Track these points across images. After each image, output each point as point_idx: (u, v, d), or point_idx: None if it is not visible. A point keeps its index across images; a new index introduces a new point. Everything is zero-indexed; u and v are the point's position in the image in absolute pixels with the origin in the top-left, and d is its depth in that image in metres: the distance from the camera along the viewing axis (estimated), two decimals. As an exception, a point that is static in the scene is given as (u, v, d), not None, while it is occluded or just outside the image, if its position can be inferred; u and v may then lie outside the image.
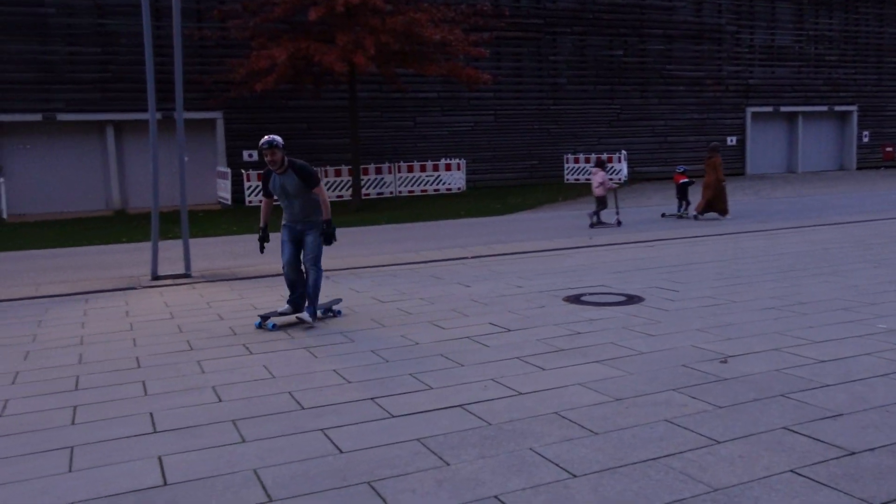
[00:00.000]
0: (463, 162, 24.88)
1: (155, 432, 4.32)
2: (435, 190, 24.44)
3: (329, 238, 6.90)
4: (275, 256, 9.58)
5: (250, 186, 21.64)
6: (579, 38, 27.75)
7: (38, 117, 21.07)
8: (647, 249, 11.10)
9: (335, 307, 7.25)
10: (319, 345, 6.18)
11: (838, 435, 3.95)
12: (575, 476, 3.56)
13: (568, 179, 27.08)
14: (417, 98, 25.33)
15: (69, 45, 21.25)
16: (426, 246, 12.57)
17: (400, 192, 24.05)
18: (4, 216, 20.16)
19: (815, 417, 4.21)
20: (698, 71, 29.97)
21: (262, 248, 7.15)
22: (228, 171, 21.96)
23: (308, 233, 6.91)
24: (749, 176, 31.02)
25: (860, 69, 33.39)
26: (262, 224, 7.11)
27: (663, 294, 7.78)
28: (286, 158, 6.74)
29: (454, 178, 24.64)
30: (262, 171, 7.01)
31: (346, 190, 23.02)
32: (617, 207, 15.35)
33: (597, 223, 14.67)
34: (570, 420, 4.29)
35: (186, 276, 9.87)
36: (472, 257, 10.83)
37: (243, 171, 22.05)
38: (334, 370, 5.43)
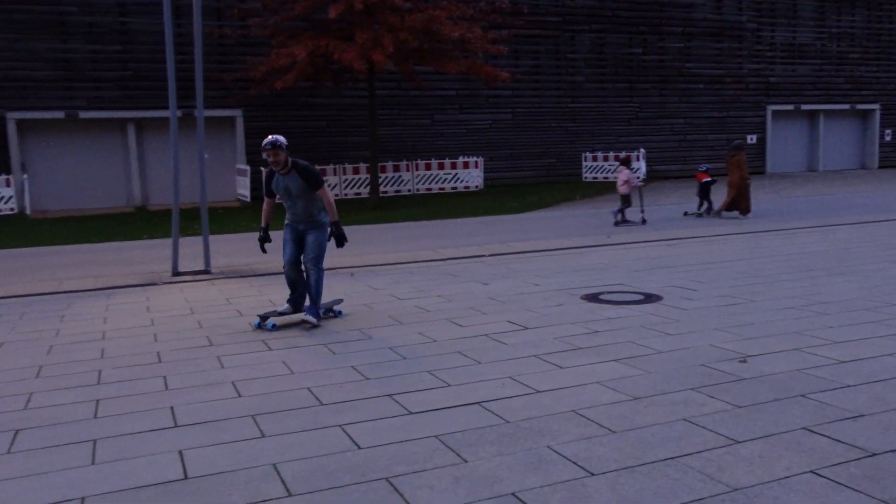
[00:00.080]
0: (480, 160, 24.86)
1: (176, 426, 4.37)
2: (452, 188, 24.45)
3: (340, 239, 6.77)
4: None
5: (269, 184, 21.72)
6: (598, 35, 27.63)
7: (60, 115, 21.31)
8: (665, 248, 11.05)
9: (336, 307, 7.17)
10: (338, 341, 6.21)
11: (859, 436, 3.92)
12: (593, 474, 3.56)
13: (586, 178, 26.98)
14: (435, 96, 25.34)
15: (91, 44, 21.47)
16: (443, 244, 12.59)
17: (417, 189, 24.09)
18: (28, 212, 20.42)
19: (836, 418, 4.18)
20: (718, 69, 29.74)
21: (262, 248, 7.07)
22: (248, 168, 22.09)
23: (310, 232, 6.83)
24: (769, 174, 30.75)
25: (883, 67, 32.98)
26: (263, 224, 7.03)
27: (682, 293, 7.75)
28: (289, 159, 6.68)
29: (471, 176, 24.64)
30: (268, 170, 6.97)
31: (364, 187, 23.10)
32: (642, 206, 15.32)
33: (621, 221, 14.62)
34: (588, 418, 4.29)
35: (206, 272, 9.95)
36: (490, 255, 10.83)
37: (262, 169, 22.10)
38: (352, 367, 5.46)
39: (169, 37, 9.49)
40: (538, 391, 4.78)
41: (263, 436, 4.18)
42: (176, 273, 9.81)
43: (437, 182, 24.29)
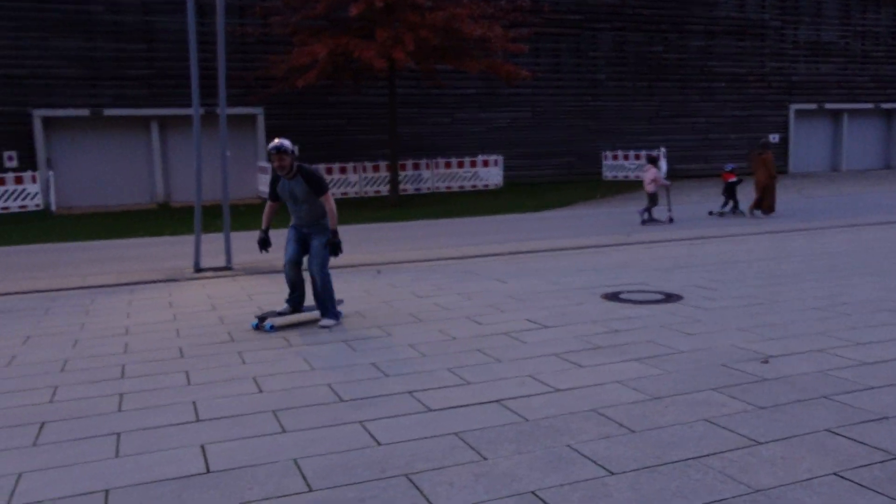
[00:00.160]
0: (500, 158, 24.83)
1: (198, 421, 4.42)
2: (472, 186, 24.44)
3: (335, 248, 6.67)
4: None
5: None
6: (619, 34, 27.48)
7: (85, 112, 21.56)
8: (686, 247, 10.98)
9: (336, 308, 7.00)
10: (358, 338, 6.24)
11: (884, 438, 3.88)
12: (613, 473, 3.56)
13: (606, 176, 26.86)
14: (455, 94, 25.34)
15: (116, 42, 21.69)
16: (462, 242, 12.60)
17: (437, 188, 24.10)
18: (53, 209, 20.69)
19: (860, 420, 4.14)
20: (740, 67, 29.47)
21: (261, 250, 6.93)
22: (269, 166, 22.21)
23: (315, 237, 6.76)
24: (792, 174, 30.43)
25: (909, 65, 32.52)
26: (263, 226, 6.93)
27: (703, 292, 7.70)
28: (295, 163, 6.61)
29: (491, 175, 24.61)
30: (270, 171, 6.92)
31: (384, 185, 23.16)
32: (669, 205, 15.26)
33: (648, 220, 14.56)
34: (608, 417, 4.28)
35: (228, 268, 10.04)
36: (508, 254, 10.82)
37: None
38: (372, 363, 5.48)
39: (192, 35, 9.57)
40: (558, 390, 4.78)
41: (284, 431, 4.21)
42: (198, 269, 9.89)
43: (456, 180, 24.30)
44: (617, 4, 27.30)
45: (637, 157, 26.16)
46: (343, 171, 22.93)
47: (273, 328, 6.64)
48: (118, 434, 4.25)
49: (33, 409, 4.72)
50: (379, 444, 3.99)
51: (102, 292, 8.75)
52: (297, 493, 3.45)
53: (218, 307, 7.70)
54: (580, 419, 4.26)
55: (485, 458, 3.77)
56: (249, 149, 23.75)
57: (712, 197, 20.46)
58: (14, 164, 21.01)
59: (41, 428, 4.38)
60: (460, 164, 24.33)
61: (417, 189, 23.87)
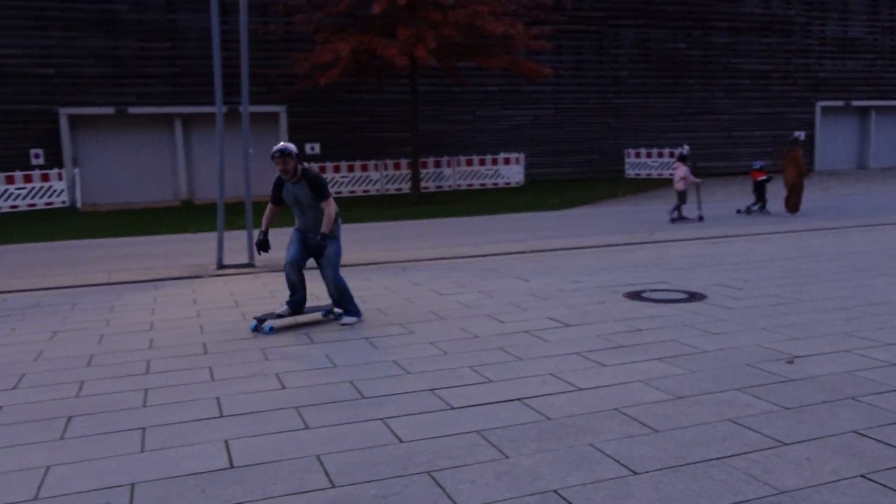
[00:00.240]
0: (522, 156, 24.77)
1: (222, 416, 4.46)
2: (493, 184, 24.41)
3: (319, 250, 6.49)
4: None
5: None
6: (642, 30, 27.29)
7: (110, 111, 21.81)
8: (710, 246, 10.88)
9: (337, 308, 6.94)
10: (379, 336, 6.26)
11: (911, 440, 3.82)
12: (636, 473, 3.54)
13: (628, 174, 26.70)
14: (477, 92, 25.31)
15: (140, 41, 21.92)
16: (484, 239, 12.58)
17: (458, 185, 24.10)
18: (79, 206, 20.96)
19: (888, 422, 4.08)
20: (765, 64, 29.14)
21: (259, 252, 6.85)
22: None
23: (324, 244, 6.58)
24: (818, 172, 30.05)
25: (939, 62, 31.98)
26: (262, 229, 6.81)
27: (727, 292, 7.63)
28: (299, 168, 6.58)
29: (512, 172, 24.57)
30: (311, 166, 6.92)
31: (406, 183, 23.20)
32: (699, 203, 15.16)
33: (678, 218, 14.47)
34: (631, 417, 4.25)
35: (250, 265, 10.11)
36: (529, 252, 10.79)
37: (306, 164, 22.38)
38: (394, 361, 5.50)
39: (215, 33, 9.64)
40: (580, 389, 4.76)
41: (307, 427, 4.24)
42: (221, 266, 9.98)
43: (478, 178, 24.28)
44: (640, 1, 27.10)
45: (660, 155, 25.97)
46: (364, 168, 23.00)
47: (272, 330, 6.54)
48: (143, 429, 4.29)
49: (60, 403, 4.79)
50: (401, 441, 4.00)
51: (127, 288, 8.85)
52: (319, 489, 3.46)
53: (241, 304, 7.75)
54: (603, 418, 4.24)
55: (507, 457, 3.76)
56: (272, 146, 23.87)
57: (737, 195, 20.27)
58: (41, 161, 21.31)
59: (68, 422, 4.44)
60: (482, 162, 24.30)
61: (439, 187, 23.88)
